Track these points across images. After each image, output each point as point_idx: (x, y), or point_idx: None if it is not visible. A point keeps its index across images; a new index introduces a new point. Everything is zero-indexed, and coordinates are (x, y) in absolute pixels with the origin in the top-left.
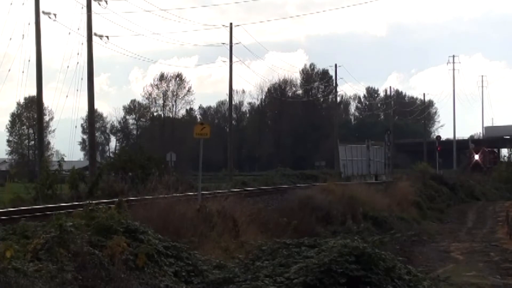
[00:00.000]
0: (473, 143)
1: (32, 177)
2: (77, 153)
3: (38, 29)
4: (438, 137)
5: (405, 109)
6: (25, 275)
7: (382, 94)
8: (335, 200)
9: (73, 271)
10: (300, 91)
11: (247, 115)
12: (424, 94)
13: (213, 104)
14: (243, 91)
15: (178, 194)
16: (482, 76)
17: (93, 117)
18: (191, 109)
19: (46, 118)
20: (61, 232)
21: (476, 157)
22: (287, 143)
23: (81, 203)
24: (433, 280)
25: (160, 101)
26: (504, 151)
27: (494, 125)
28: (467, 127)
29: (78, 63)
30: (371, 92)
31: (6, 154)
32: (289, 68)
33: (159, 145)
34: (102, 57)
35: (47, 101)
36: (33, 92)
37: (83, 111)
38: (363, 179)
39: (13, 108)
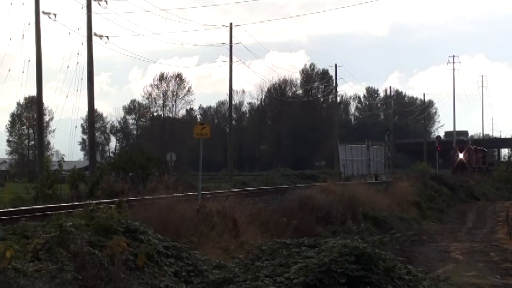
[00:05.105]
0: (473, 143)
1: (32, 177)
2: (77, 153)
3: (38, 29)
4: (438, 137)
5: (405, 109)
6: (25, 275)
7: (382, 94)
8: (335, 200)
9: (73, 271)
10: (300, 91)
11: (247, 115)
12: (424, 94)
13: (213, 104)
14: (243, 91)
15: (178, 194)
16: (482, 76)
17: (93, 117)
18: (191, 109)
19: (46, 118)
20: (61, 232)
21: (461, 155)
22: (287, 143)
23: (81, 203)
24: (433, 280)
25: (160, 101)
26: (505, 151)
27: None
28: (467, 127)
29: (78, 63)
30: (371, 92)
31: (6, 154)
32: (289, 68)
33: (159, 145)
34: (102, 57)
35: (47, 101)
36: (33, 92)
37: (83, 111)
38: (363, 179)
39: (13, 108)
